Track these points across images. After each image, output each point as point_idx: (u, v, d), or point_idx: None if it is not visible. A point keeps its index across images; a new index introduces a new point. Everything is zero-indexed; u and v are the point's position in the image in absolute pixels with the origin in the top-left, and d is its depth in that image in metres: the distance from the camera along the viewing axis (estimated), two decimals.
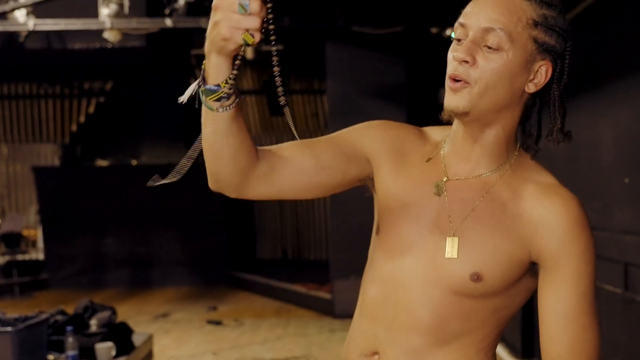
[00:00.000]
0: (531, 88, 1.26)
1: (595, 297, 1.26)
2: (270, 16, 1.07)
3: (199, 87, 1.15)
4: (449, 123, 1.34)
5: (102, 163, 10.62)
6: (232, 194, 1.29)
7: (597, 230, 3.54)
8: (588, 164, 3.64)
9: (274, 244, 11.07)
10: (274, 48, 1.09)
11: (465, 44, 1.22)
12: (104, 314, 4.30)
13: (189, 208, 9.34)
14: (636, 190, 3.13)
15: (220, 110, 1.15)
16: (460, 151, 1.32)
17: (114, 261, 9.58)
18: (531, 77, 1.26)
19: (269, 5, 1.06)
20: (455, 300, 1.26)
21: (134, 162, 10.63)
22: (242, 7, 1.04)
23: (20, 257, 9.51)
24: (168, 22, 5.37)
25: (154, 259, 9.59)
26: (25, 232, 10.11)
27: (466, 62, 1.21)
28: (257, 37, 1.07)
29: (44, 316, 3.71)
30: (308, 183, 1.31)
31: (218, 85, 1.13)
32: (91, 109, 10.25)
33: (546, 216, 1.24)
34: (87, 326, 4.21)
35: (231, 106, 1.16)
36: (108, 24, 5.37)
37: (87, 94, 10.19)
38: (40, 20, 5.57)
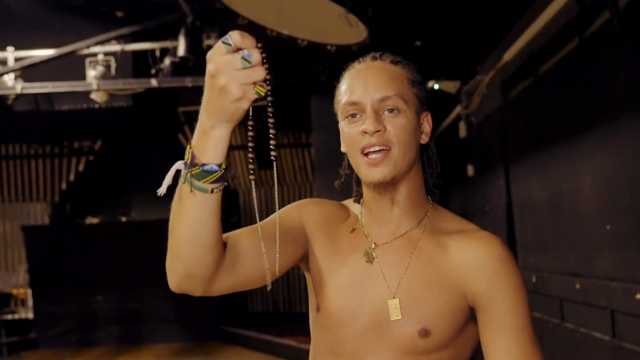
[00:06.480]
0: (424, 139, 1.35)
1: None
2: (266, 65, 1.02)
3: (188, 170, 1.07)
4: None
5: (92, 220, 10.58)
6: (199, 291, 1.21)
7: (582, 277, 3.56)
8: (570, 211, 3.67)
9: (265, 297, 10.99)
10: (269, 99, 1.04)
11: (370, 116, 1.27)
12: None
13: None
14: (618, 237, 3.15)
15: (215, 191, 1.08)
16: (378, 216, 1.36)
17: (103, 319, 9.45)
18: (422, 130, 1.35)
19: (264, 55, 1.02)
20: None
21: (124, 219, 10.59)
22: (245, 60, 1.00)
23: (9, 316, 9.37)
24: (154, 82, 5.44)
25: (144, 315, 9.47)
26: (14, 291, 10.00)
27: (378, 131, 1.26)
28: (265, 87, 1.02)
29: None
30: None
31: (219, 165, 1.06)
32: (81, 167, 10.27)
33: (473, 260, 1.28)
34: None
35: (223, 185, 1.10)
36: (95, 86, 5.44)
37: (77, 153, 10.23)
38: (28, 84, 5.66)
